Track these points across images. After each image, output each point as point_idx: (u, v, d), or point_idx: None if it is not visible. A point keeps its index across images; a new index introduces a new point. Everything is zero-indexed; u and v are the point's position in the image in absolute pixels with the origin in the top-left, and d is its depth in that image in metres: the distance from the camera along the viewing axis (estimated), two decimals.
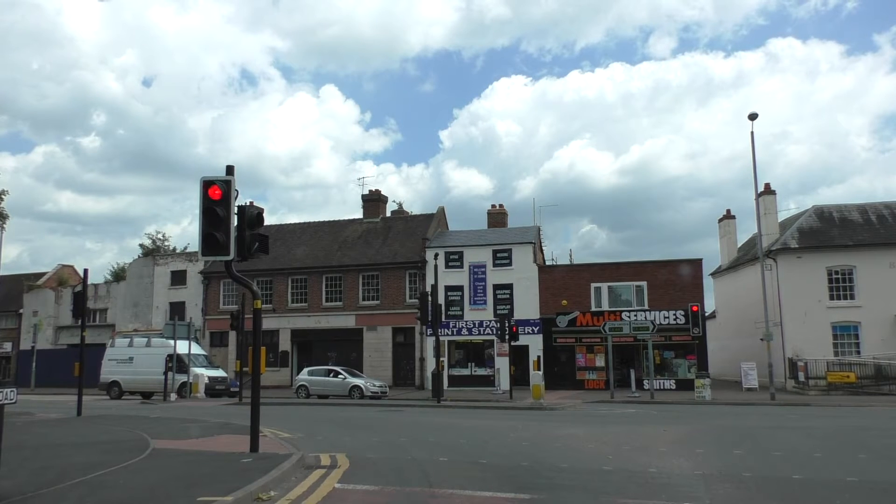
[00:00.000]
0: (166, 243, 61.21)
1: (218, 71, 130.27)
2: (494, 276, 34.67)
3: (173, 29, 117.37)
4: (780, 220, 34.79)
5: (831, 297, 31.56)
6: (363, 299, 36.82)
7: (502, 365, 31.10)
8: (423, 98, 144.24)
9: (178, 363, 28.41)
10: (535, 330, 33.53)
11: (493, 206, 41.20)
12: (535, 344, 33.04)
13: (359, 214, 41.90)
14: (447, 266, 34.47)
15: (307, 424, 16.25)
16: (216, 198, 9.63)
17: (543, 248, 40.01)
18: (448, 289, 34.23)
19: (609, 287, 33.58)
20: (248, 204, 10.02)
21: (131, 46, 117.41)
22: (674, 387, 31.19)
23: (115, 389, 30.67)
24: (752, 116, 26.69)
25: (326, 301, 37.35)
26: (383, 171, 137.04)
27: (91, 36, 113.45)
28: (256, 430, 10.18)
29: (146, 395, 30.06)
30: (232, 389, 29.62)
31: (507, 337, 28.72)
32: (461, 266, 35.03)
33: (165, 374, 27.57)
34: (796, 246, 32.34)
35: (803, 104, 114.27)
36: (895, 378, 28.66)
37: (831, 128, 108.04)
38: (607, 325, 28.70)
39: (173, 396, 27.63)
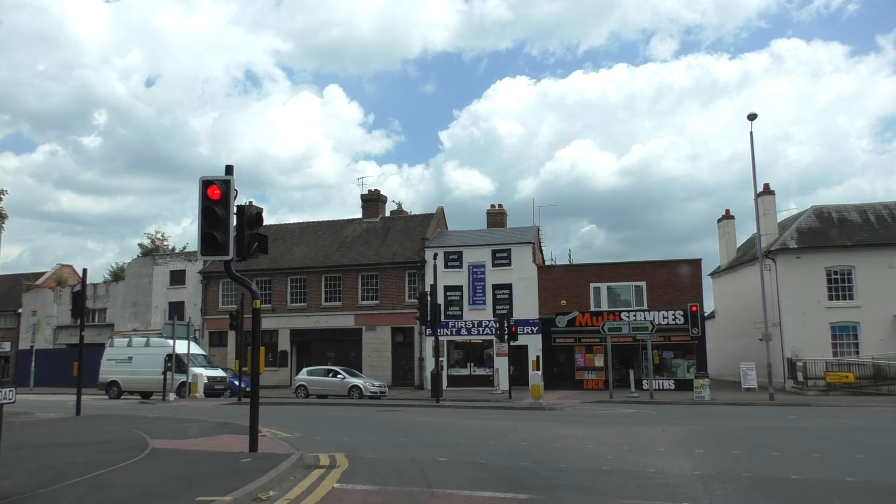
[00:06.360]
0: (165, 243, 61.27)
1: (222, 72, 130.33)
2: (494, 276, 34.66)
3: (177, 30, 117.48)
4: (779, 221, 34.80)
5: (830, 298, 31.58)
6: (362, 299, 36.81)
7: (501, 365, 31.08)
8: (424, 99, 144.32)
9: (177, 363, 28.41)
10: (535, 330, 33.53)
11: (493, 206, 41.21)
12: (534, 344, 33.04)
13: (358, 214, 41.90)
14: (446, 266, 34.48)
15: (306, 424, 16.25)
16: (215, 197, 9.65)
17: (543, 248, 40.02)
18: (447, 289, 34.24)
19: (608, 287, 33.57)
20: (247, 204, 10.02)
21: (135, 47, 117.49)
22: (673, 387, 31.19)
23: (113, 389, 30.64)
24: (752, 117, 26.76)
25: (325, 301, 37.34)
26: (385, 171, 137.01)
27: (95, 37, 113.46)
28: (255, 430, 10.18)
29: (145, 395, 30.05)
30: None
31: (506, 337, 28.74)
32: (460, 266, 35.01)
33: (164, 373, 27.55)
34: (795, 246, 32.35)
35: (805, 106, 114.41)
36: (894, 378, 28.66)
37: (832, 129, 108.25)
38: (606, 325, 28.70)
39: (172, 396, 27.63)
